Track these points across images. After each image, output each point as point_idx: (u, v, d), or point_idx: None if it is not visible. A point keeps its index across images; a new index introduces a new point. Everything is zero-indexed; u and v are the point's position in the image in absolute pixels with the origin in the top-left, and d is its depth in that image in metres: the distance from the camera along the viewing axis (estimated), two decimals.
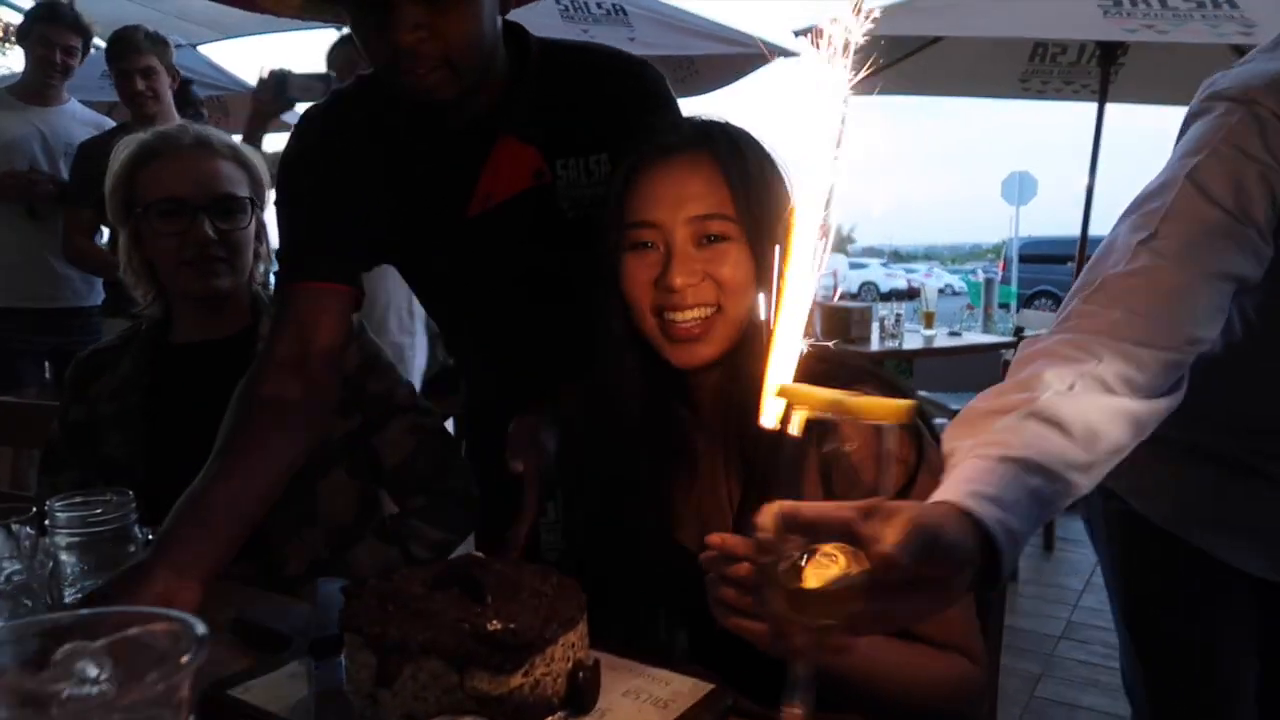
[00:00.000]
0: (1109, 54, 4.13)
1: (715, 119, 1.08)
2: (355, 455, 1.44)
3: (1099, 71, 4.20)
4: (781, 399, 0.65)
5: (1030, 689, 2.74)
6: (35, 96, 3.06)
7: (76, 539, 0.99)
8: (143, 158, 1.43)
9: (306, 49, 3.08)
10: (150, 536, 1.05)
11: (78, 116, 3.19)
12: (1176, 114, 1.11)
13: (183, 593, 0.97)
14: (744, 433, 1.00)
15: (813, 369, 1.05)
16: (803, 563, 0.65)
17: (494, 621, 0.77)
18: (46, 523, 1.00)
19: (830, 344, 0.94)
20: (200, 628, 0.47)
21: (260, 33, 6.77)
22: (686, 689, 0.86)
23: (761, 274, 1.00)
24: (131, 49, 2.86)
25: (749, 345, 1.00)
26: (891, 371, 0.99)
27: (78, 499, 1.02)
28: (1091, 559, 3.62)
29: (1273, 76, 0.99)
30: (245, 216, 1.45)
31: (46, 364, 3.15)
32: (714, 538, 0.77)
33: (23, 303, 3.03)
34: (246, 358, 1.41)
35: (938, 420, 3.95)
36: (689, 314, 0.99)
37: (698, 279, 0.99)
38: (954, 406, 4.24)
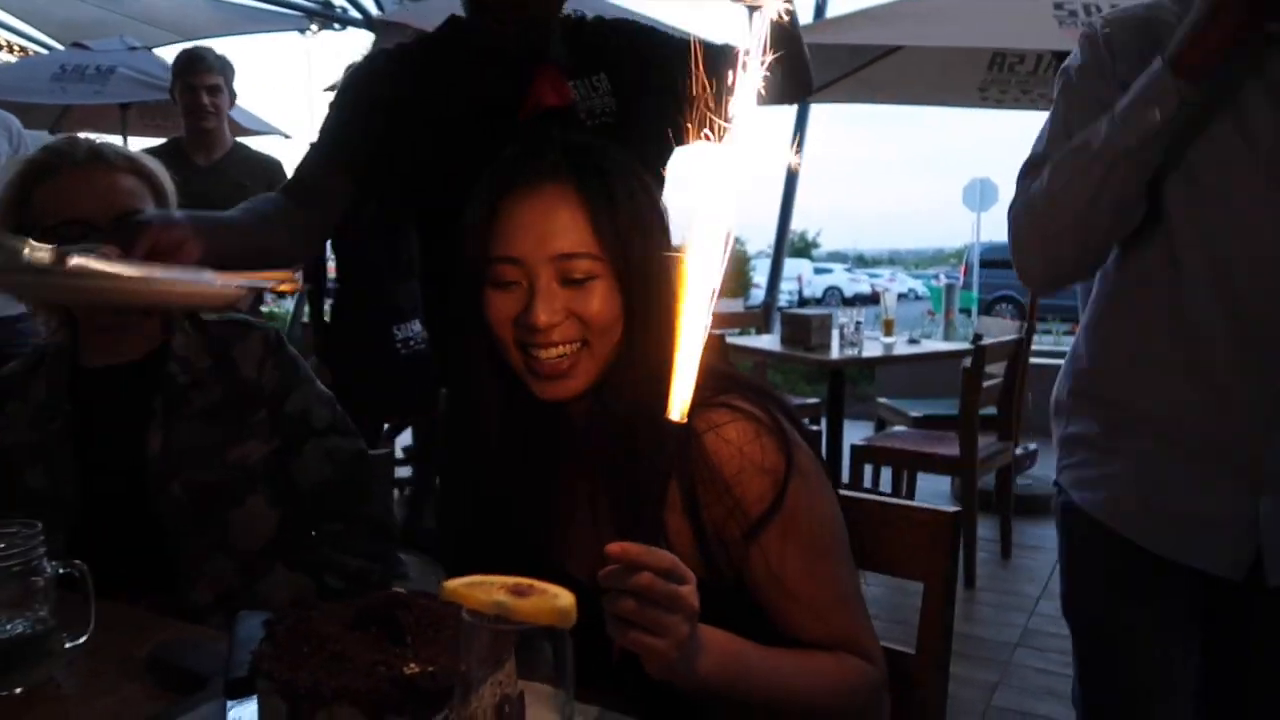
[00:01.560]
0: None
1: (588, 143, 1.05)
2: (274, 480, 1.39)
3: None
4: (452, 596, 0.63)
5: (987, 698, 2.74)
6: None
7: None
8: (34, 176, 1.34)
9: (267, 52, 3.13)
10: (61, 571, 1.00)
11: None
12: None
13: (191, 242, 1.08)
14: (617, 457, 0.98)
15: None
16: None
17: (412, 665, 0.74)
18: None
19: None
20: None
21: (220, 35, 6.67)
22: None
23: (630, 306, 0.98)
24: (203, 67, 3.11)
25: (620, 372, 0.98)
26: (758, 378, 1.02)
27: None
28: (1048, 566, 3.65)
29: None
30: None
31: None
32: (614, 547, 0.75)
33: None
34: (160, 377, 1.36)
35: (897, 427, 3.99)
36: (553, 351, 0.97)
37: (561, 317, 0.96)
38: (914, 414, 4.26)
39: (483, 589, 0.59)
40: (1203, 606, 1.30)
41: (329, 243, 3.63)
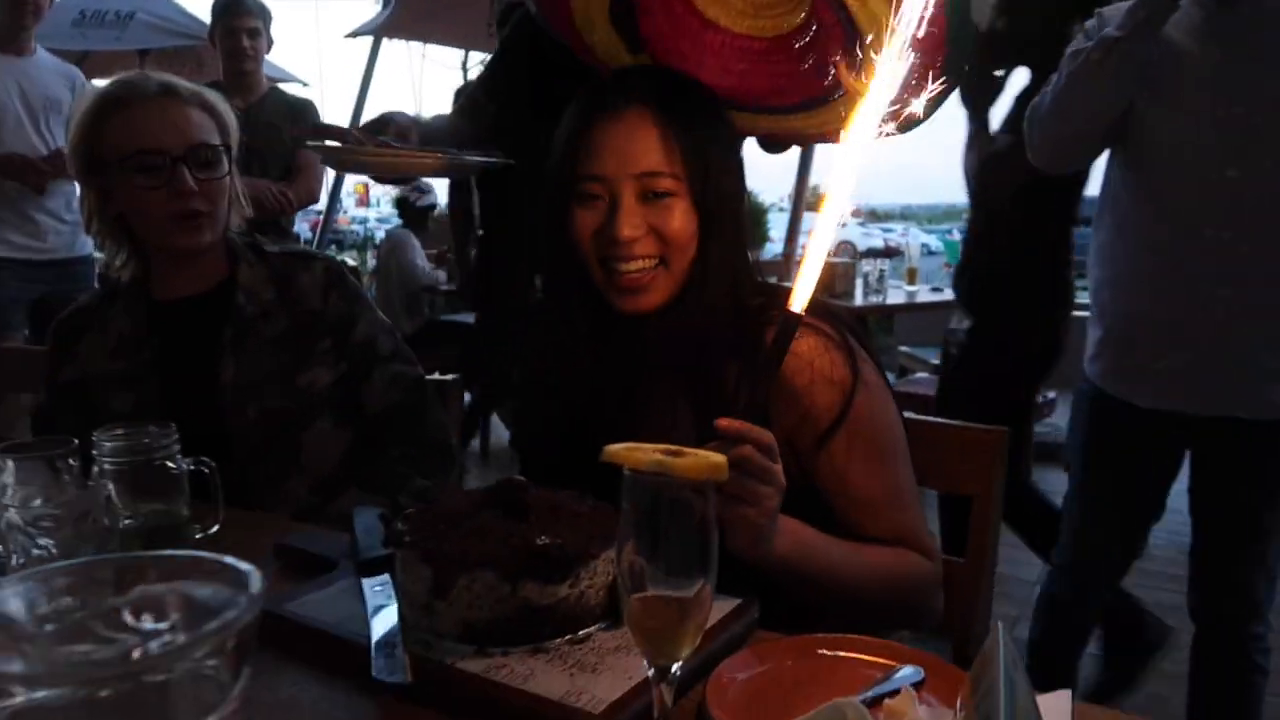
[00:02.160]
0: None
1: (669, 73, 1.11)
2: (340, 406, 1.46)
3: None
4: (613, 458, 0.68)
5: (1009, 630, 2.84)
6: (8, 44, 2.99)
7: (124, 467, 1.02)
8: (108, 108, 1.37)
9: (274, 5, 3.18)
10: (192, 467, 1.09)
11: (52, 68, 3.14)
12: None
13: (413, 133, 1.51)
14: (697, 366, 1.05)
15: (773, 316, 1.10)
16: None
17: (542, 537, 0.82)
18: (94, 453, 1.03)
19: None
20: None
21: None
22: (716, 602, 0.92)
23: (706, 227, 1.04)
24: (243, 10, 3.16)
25: (697, 287, 1.05)
26: (848, 315, 1.10)
27: (119, 430, 1.05)
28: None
29: None
30: (222, 166, 1.41)
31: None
32: (723, 421, 0.82)
33: (8, 253, 3.00)
34: (228, 309, 1.43)
35: (919, 374, 4.05)
36: (633, 265, 1.03)
37: (642, 232, 1.03)
38: (935, 361, 4.30)
39: (640, 452, 0.66)
40: (1172, 460, 1.81)
41: (476, 193, 3.71)
